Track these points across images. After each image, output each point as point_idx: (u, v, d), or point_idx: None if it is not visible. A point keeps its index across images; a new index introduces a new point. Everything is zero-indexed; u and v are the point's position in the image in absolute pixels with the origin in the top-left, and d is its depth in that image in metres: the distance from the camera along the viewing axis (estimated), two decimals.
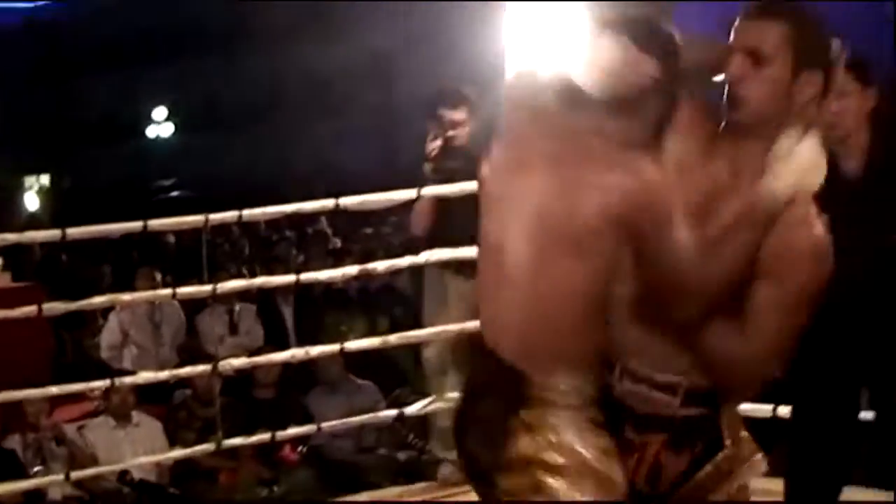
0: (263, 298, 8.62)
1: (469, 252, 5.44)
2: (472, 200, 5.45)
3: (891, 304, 3.84)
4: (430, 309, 5.90)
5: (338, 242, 12.27)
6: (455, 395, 5.53)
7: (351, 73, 27.58)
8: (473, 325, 5.38)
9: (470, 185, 5.41)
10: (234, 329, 8.49)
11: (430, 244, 5.68)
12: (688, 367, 2.60)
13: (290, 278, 6.66)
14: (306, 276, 6.57)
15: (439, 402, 5.65)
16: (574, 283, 2.49)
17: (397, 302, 8.76)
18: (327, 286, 8.75)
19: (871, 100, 3.52)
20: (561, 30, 5.67)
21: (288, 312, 8.74)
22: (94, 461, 6.14)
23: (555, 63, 2.71)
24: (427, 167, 5.83)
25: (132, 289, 7.80)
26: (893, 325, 3.92)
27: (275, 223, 12.88)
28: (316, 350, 5.96)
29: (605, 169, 2.47)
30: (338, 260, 9.29)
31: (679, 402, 2.65)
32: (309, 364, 6.84)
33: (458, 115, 5.85)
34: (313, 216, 12.11)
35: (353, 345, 6.05)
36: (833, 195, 2.82)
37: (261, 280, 7.16)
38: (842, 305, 3.61)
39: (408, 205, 5.86)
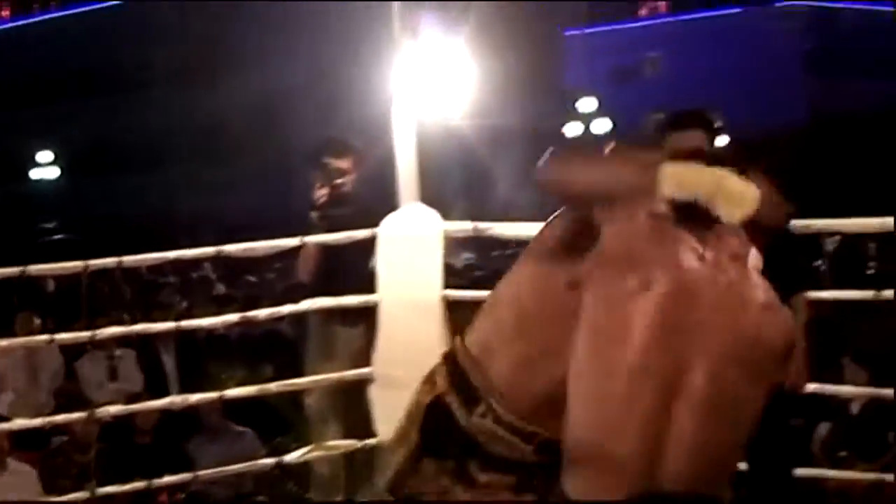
0: (144, 345, 8.52)
1: (353, 300, 5.47)
2: (357, 248, 5.54)
3: None
4: (312, 356, 5.90)
5: (222, 288, 12.21)
6: (336, 442, 5.57)
7: (242, 119, 27.70)
8: (355, 373, 5.44)
9: (356, 234, 5.44)
10: (113, 375, 8.41)
11: (316, 291, 5.66)
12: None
13: (170, 325, 6.59)
14: (186, 323, 6.54)
15: (319, 451, 5.61)
16: (754, 409, 2.42)
17: (282, 348, 8.71)
18: (209, 332, 8.66)
19: None
20: (450, 79, 5.77)
21: (169, 359, 8.67)
22: None
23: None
24: (314, 215, 5.85)
25: (11, 333, 7.66)
26: None
27: (158, 268, 12.77)
28: (195, 397, 5.88)
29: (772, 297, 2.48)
30: (221, 306, 9.24)
31: (532, 450, 2.67)
32: (189, 411, 6.77)
33: (344, 164, 5.90)
34: (197, 262, 12.02)
35: (233, 392, 5.98)
36: None
37: (141, 326, 7.08)
38: None
39: (294, 251, 5.84)
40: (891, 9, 38.30)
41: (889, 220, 4.79)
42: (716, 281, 2.42)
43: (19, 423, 6.24)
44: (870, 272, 11.09)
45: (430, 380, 2.77)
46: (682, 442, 2.32)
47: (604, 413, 2.36)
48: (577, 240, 2.61)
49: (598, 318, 2.46)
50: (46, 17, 34.43)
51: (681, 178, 2.50)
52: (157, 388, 8.02)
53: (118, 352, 8.42)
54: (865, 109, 27.36)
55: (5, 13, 36.19)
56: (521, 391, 2.65)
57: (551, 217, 2.78)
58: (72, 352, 8.42)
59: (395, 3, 5.72)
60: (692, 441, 2.33)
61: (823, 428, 6.92)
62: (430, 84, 5.73)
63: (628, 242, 2.49)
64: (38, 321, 8.41)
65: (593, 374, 2.37)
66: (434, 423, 2.70)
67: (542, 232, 2.78)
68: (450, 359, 2.74)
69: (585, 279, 2.54)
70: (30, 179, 32.55)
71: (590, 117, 27.52)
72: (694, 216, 2.48)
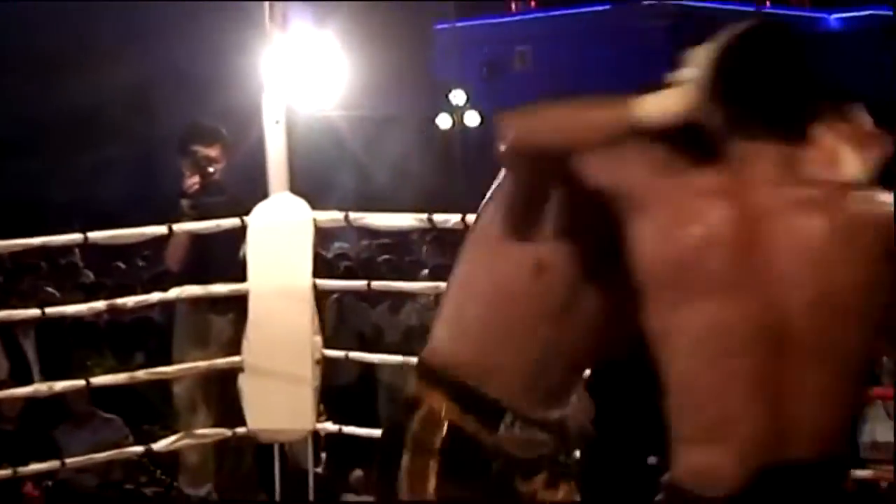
0: (8, 332, 8.39)
1: (223, 288, 5.51)
2: (227, 237, 5.59)
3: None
4: (182, 344, 5.97)
5: (90, 276, 12.13)
6: (206, 431, 5.59)
7: (113, 106, 27.85)
8: (225, 361, 5.45)
9: (225, 222, 5.48)
10: None
11: (185, 279, 5.73)
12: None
13: (35, 312, 6.53)
14: (51, 310, 6.43)
15: (187, 439, 5.66)
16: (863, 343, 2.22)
17: (153, 335, 8.73)
18: (77, 320, 8.61)
19: None
20: (321, 70, 5.79)
21: (29, 346, 8.57)
22: None
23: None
24: (184, 203, 5.93)
25: None
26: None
27: (24, 254, 12.65)
28: (60, 385, 5.85)
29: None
30: (90, 294, 9.19)
31: (557, 437, 2.56)
32: (56, 398, 6.70)
33: (213, 151, 5.99)
34: (66, 249, 11.93)
35: (100, 380, 6.01)
36: None
37: (4, 313, 7.02)
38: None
39: (164, 239, 5.88)
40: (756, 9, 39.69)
41: None
42: (778, 208, 2.18)
43: None
44: None
45: (427, 418, 2.50)
46: (801, 399, 2.14)
47: (714, 382, 2.17)
48: (529, 219, 2.48)
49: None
50: None
51: (651, 104, 2.28)
52: (21, 375, 7.92)
53: None
54: None
55: None
56: (536, 384, 2.49)
57: (484, 203, 2.60)
58: None
59: None
60: (811, 396, 2.15)
61: None
62: (302, 75, 5.80)
63: (651, 191, 2.24)
64: None
65: (695, 347, 2.17)
66: (461, 459, 2.49)
67: (481, 221, 2.61)
68: (440, 383, 2.51)
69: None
70: None
71: (461, 109, 27.84)
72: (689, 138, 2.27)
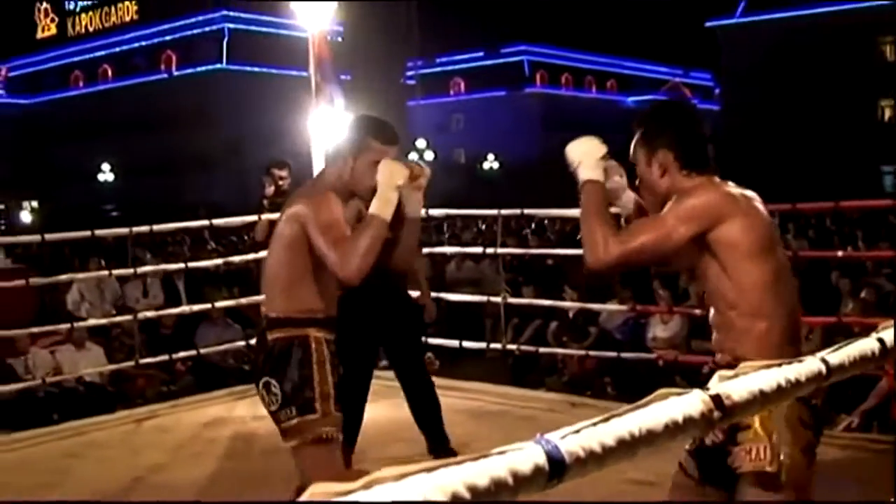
0: (167, 277, 8.54)
1: None
2: None
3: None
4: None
5: (213, 244, 12.12)
6: None
7: (222, 148, 29.42)
8: None
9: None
10: (146, 294, 8.45)
11: (265, 247, 5.61)
12: None
13: (181, 265, 6.79)
14: (192, 264, 6.72)
15: None
16: None
17: (249, 278, 8.18)
18: (206, 270, 8.51)
19: None
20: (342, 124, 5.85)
21: (181, 284, 8.68)
22: (60, 372, 6.13)
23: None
24: (265, 202, 6.00)
25: (86, 269, 7.72)
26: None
27: (177, 232, 12.53)
28: (196, 307, 6.11)
29: None
30: (212, 254, 9.19)
31: None
32: (196, 314, 6.78)
33: (283, 172, 6.05)
34: (199, 229, 11.83)
35: (221, 304, 6.21)
36: None
37: (162, 266, 7.26)
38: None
39: (255, 223, 6.01)
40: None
41: None
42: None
43: (92, 321, 6.41)
44: None
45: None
46: None
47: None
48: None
49: None
50: None
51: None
52: (174, 301, 8.07)
53: (150, 280, 8.39)
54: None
55: None
56: None
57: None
58: (123, 280, 8.30)
59: (312, 82, 5.82)
60: None
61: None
62: (332, 128, 5.83)
63: None
64: (102, 262, 8.41)
65: None
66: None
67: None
68: None
69: None
70: (97, 180, 35.56)
71: (422, 151, 30.98)
72: None
